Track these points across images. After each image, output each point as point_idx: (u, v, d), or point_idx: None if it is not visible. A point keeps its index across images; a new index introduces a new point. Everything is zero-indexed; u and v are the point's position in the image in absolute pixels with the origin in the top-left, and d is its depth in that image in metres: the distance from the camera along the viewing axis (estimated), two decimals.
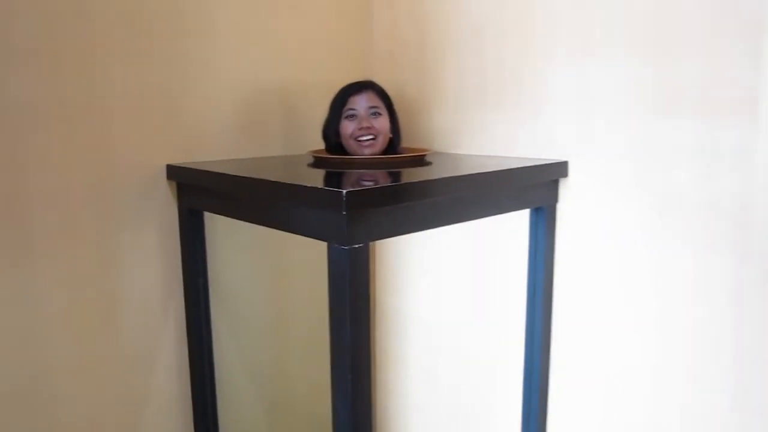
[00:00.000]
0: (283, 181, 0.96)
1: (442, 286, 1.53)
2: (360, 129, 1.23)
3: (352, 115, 1.24)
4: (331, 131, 1.27)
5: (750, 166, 0.99)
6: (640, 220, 1.14)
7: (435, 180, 0.99)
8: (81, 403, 1.17)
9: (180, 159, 1.25)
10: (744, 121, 0.99)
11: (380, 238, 1.02)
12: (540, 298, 1.27)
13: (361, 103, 1.24)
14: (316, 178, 1.05)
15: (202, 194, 1.20)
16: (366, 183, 0.93)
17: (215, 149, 1.31)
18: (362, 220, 0.87)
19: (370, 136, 1.23)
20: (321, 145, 1.32)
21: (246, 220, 1.12)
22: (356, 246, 0.86)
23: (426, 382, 1.61)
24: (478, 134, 1.38)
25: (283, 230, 1.02)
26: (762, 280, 0.99)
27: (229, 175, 1.08)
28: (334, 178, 1.06)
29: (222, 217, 1.26)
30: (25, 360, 1.09)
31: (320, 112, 1.29)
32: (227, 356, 1.40)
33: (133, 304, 1.22)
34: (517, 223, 1.31)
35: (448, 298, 1.52)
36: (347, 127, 1.24)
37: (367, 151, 1.24)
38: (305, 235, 0.95)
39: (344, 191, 0.83)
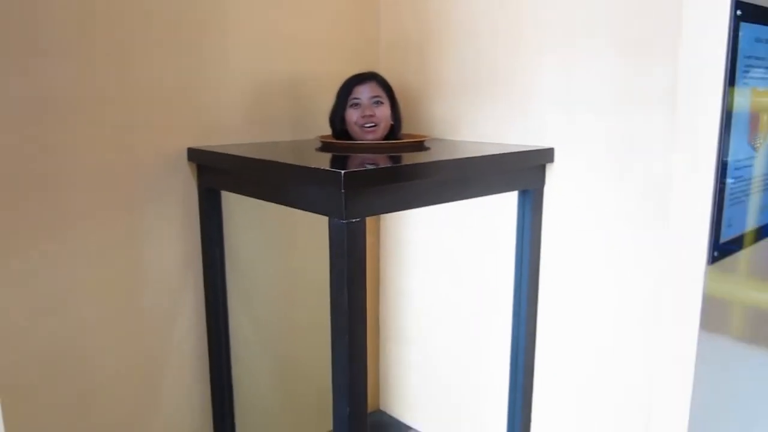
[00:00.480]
0: (291, 162, 1.06)
1: (438, 262, 1.62)
2: (363, 117, 1.31)
3: (356, 104, 1.32)
4: (337, 118, 1.36)
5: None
6: (619, 203, 1.22)
7: (424, 163, 1.08)
8: (109, 357, 1.28)
9: (199, 142, 1.34)
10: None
11: (375, 214, 1.11)
12: (526, 273, 1.35)
13: (364, 92, 1.32)
14: (321, 161, 1.13)
15: (219, 174, 1.29)
16: (366, 165, 1.02)
17: (231, 134, 1.40)
18: (359, 197, 0.96)
19: (372, 123, 1.32)
20: (328, 131, 1.40)
21: (258, 198, 1.21)
22: (353, 220, 0.95)
23: (423, 349, 1.72)
24: (473, 122, 1.47)
25: (290, 206, 1.11)
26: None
27: (243, 157, 1.16)
28: (338, 161, 1.14)
29: (237, 194, 1.35)
30: (62, 318, 1.20)
31: (327, 101, 1.37)
32: (240, 316, 1.49)
33: (158, 269, 1.33)
34: (506, 204, 1.40)
35: (444, 273, 1.61)
36: (352, 115, 1.33)
37: (369, 136, 1.32)
38: (309, 211, 1.05)
39: (343, 172, 0.92)
